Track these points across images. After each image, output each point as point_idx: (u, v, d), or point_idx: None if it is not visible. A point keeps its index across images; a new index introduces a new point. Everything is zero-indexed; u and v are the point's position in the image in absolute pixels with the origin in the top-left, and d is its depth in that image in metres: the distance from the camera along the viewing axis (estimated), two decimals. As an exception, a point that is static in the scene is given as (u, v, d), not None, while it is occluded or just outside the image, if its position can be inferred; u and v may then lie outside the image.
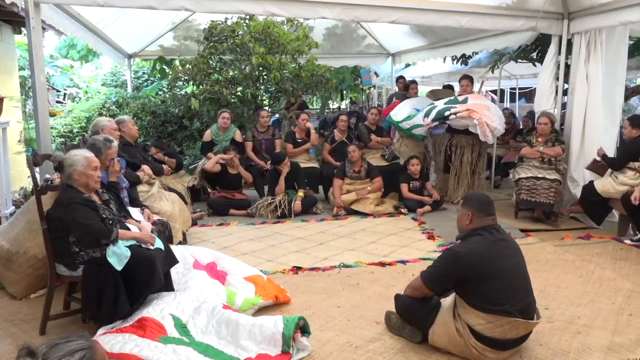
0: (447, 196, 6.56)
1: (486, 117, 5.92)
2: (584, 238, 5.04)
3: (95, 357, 1.53)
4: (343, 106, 17.11)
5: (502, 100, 13.55)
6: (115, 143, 3.72)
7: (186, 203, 5.17)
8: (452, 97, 6.54)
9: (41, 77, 4.56)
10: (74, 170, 2.94)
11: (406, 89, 8.16)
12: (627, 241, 4.86)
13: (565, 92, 6.12)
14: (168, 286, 3.17)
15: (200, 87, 7.59)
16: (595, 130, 5.62)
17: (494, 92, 12.10)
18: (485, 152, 6.65)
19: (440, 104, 6.33)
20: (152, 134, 8.12)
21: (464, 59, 8.50)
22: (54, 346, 1.48)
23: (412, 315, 2.87)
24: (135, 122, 5.27)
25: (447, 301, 2.79)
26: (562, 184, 5.60)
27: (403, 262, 4.31)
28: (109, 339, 2.64)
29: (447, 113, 6.08)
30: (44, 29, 5.45)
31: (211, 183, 6.48)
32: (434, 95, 7.66)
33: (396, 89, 9.01)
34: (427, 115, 6.33)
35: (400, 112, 7.04)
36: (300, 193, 6.07)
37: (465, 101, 6.20)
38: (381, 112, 7.78)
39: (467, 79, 6.64)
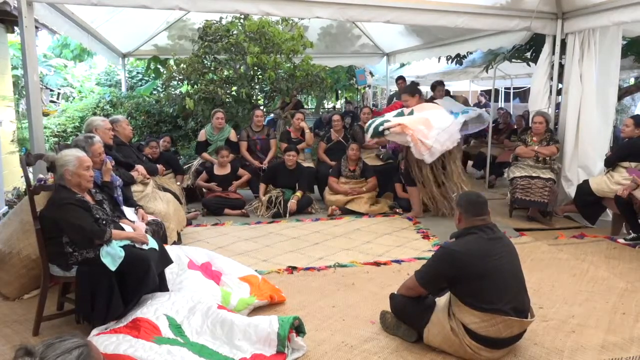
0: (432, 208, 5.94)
1: (420, 133, 5.27)
2: (578, 237, 5.06)
3: (92, 354, 1.53)
4: (338, 106, 17.11)
5: (496, 100, 13.60)
6: (98, 138, 3.72)
7: (181, 203, 5.16)
8: (400, 110, 5.89)
9: (34, 76, 4.53)
10: (66, 170, 2.93)
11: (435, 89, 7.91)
12: (621, 240, 4.88)
13: (559, 92, 6.14)
14: (162, 286, 3.16)
15: (195, 86, 7.58)
16: (589, 129, 5.65)
17: (488, 91, 12.13)
18: (451, 164, 5.74)
19: (380, 118, 5.74)
20: (147, 134, 8.09)
21: (459, 58, 8.52)
22: (50, 345, 1.48)
23: (407, 314, 2.87)
24: (129, 122, 5.25)
25: (441, 300, 2.79)
26: (557, 183, 5.61)
27: (398, 261, 4.32)
28: (102, 340, 2.63)
29: (381, 128, 5.51)
30: (37, 28, 5.42)
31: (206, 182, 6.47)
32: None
33: (394, 88, 9.00)
34: (366, 131, 5.83)
35: None
36: (298, 193, 6.07)
37: (411, 114, 5.64)
38: (374, 112, 7.78)
39: (405, 93, 5.94)
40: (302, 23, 7.93)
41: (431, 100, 7.63)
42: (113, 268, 2.80)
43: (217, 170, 6.26)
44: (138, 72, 12.20)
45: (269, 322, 2.72)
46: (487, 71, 8.29)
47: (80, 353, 1.49)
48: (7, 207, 5.42)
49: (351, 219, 5.85)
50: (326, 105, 17.55)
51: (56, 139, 7.82)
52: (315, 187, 6.84)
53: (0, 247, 3.49)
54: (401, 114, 5.71)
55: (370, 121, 5.89)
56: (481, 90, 14.42)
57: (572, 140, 5.75)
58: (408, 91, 5.96)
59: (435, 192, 5.72)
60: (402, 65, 11.33)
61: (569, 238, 5.05)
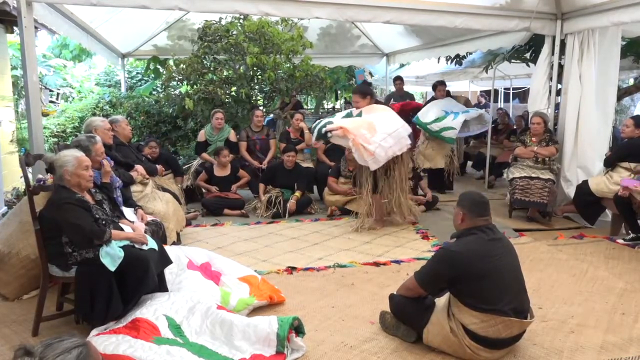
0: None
1: (362, 138, 4.92)
2: (577, 237, 5.06)
3: (91, 353, 1.54)
4: (338, 106, 17.10)
5: (496, 100, 13.59)
6: (99, 138, 3.74)
7: (180, 203, 5.15)
8: (349, 111, 5.60)
9: (34, 76, 4.53)
10: (65, 170, 2.93)
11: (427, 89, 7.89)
12: (620, 240, 4.88)
13: (558, 93, 6.14)
14: (162, 287, 3.15)
15: (195, 86, 7.57)
16: (589, 130, 5.65)
17: (488, 92, 12.14)
18: (396, 170, 5.29)
19: (327, 119, 5.47)
20: (146, 134, 8.09)
21: (458, 59, 8.53)
22: (48, 345, 1.49)
23: (406, 314, 2.87)
24: (128, 122, 5.25)
25: (441, 301, 2.79)
26: (556, 184, 5.62)
27: (397, 261, 4.32)
28: (102, 340, 2.62)
29: (324, 130, 5.20)
30: (36, 28, 5.42)
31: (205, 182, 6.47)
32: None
33: (392, 89, 8.99)
34: (312, 131, 5.58)
35: (428, 114, 6.98)
36: (297, 193, 6.07)
37: (359, 116, 5.33)
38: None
39: (356, 94, 5.58)
40: (301, 23, 7.93)
41: (431, 100, 7.66)
42: (112, 268, 2.80)
43: (217, 172, 6.26)
44: (137, 73, 12.18)
45: (269, 323, 2.72)
46: (486, 72, 8.30)
47: (80, 353, 1.50)
48: (6, 207, 5.42)
49: (350, 219, 5.83)
50: (326, 106, 17.53)
51: (55, 140, 7.82)
52: (315, 188, 6.84)
53: (0, 247, 3.49)
54: (350, 115, 5.44)
55: (317, 121, 5.55)
56: (481, 91, 14.43)
57: (572, 141, 5.75)
58: (359, 92, 5.60)
59: (370, 198, 5.30)
60: (402, 65, 11.33)
61: (569, 238, 5.05)
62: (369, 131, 5.00)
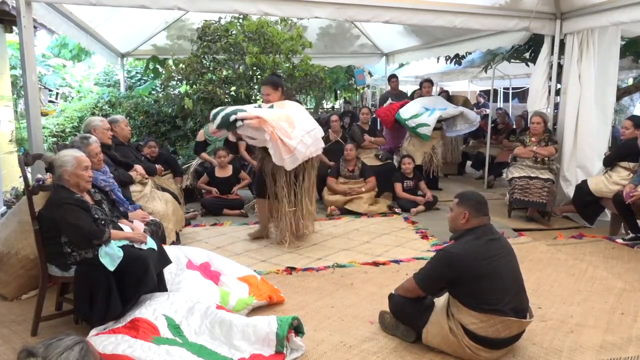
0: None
1: (282, 132, 4.26)
2: (576, 237, 5.07)
3: (91, 349, 1.56)
4: (337, 106, 17.11)
5: (495, 100, 13.59)
6: (94, 138, 3.74)
7: (180, 203, 5.15)
8: (257, 104, 5.01)
9: (33, 76, 4.53)
10: (64, 170, 2.93)
11: (423, 88, 7.80)
12: (619, 240, 4.89)
13: (558, 92, 6.15)
14: (161, 287, 3.15)
15: (194, 86, 7.57)
16: (588, 130, 5.66)
17: (487, 92, 12.14)
18: (306, 175, 4.78)
19: (234, 107, 4.62)
20: (145, 134, 8.09)
21: (458, 58, 8.53)
22: (49, 345, 1.50)
23: (405, 314, 2.87)
24: (128, 122, 5.24)
25: (440, 300, 2.80)
26: (555, 184, 5.62)
27: (397, 261, 4.32)
28: (101, 340, 2.62)
29: (233, 118, 4.35)
30: (35, 27, 5.41)
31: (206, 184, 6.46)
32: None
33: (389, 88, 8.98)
34: (213, 118, 4.61)
35: (409, 110, 7.13)
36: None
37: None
38: (374, 112, 7.79)
39: (267, 85, 4.86)
40: (301, 23, 7.93)
41: (418, 96, 7.71)
42: (112, 268, 2.79)
43: (218, 173, 6.24)
44: (137, 72, 12.18)
45: (268, 322, 2.72)
46: (486, 71, 8.31)
47: (81, 348, 1.53)
48: (5, 207, 5.42)
49: (350, 219, 5.84)
50: (325, 106, 17.54)
51: (55, 139, 7.81)
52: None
53: (-1, 247, 3.49)
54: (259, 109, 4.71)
55: (219, 109, 4.66)
56: (480, 91, 14.43)
57: (571, 141, 5.76)
58: (270, 83, 4.84)
59: (287, 211, 4.72)
60: (401, 65, 11.33)
61: (568, 238, 5.05)
62: (289, 125, 4.37)
